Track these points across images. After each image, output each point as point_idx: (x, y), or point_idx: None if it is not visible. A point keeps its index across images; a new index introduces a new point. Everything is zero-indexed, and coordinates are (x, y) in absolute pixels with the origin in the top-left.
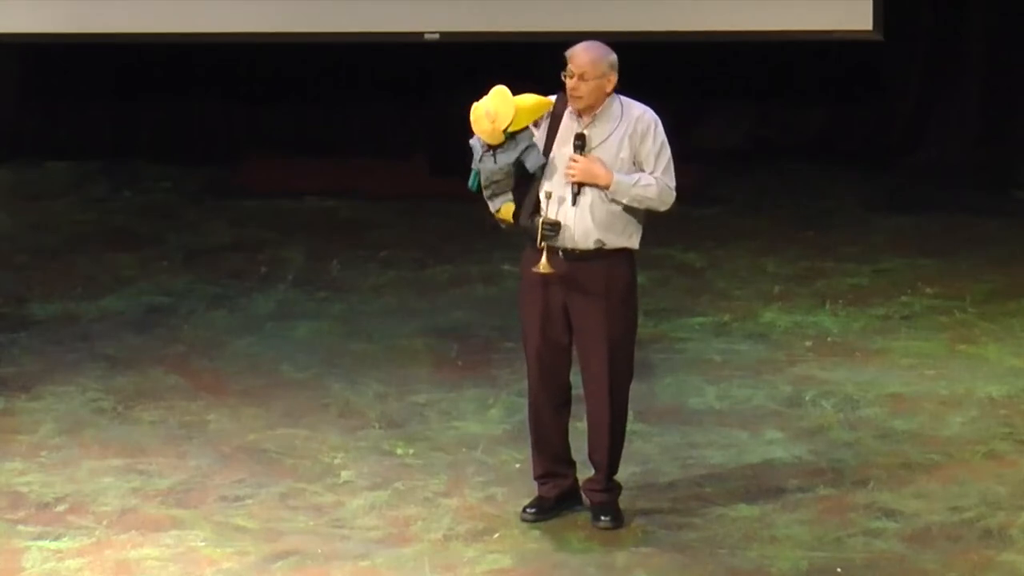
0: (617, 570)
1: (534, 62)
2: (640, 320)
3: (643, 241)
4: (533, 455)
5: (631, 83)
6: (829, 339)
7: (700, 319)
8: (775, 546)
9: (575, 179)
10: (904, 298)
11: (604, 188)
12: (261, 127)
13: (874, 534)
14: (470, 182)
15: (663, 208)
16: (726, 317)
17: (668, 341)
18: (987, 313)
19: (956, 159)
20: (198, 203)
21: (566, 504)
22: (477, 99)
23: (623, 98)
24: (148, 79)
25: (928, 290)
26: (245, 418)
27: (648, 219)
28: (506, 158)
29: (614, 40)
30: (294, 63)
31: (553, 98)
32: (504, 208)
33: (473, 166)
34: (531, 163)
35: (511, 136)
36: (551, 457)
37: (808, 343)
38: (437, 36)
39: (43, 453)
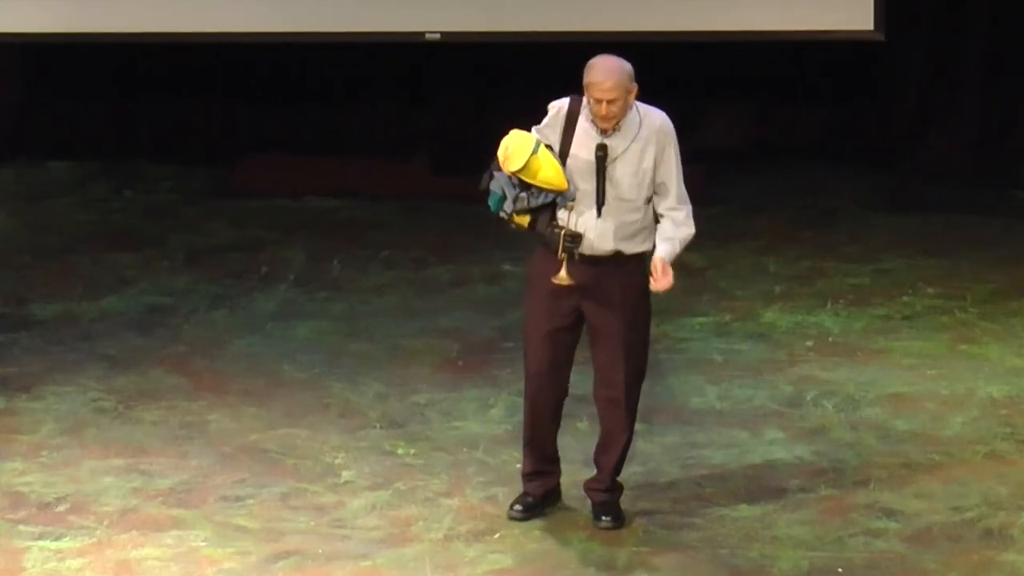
0: (618, 570)
1: (535, 62)
2: None
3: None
4: (525, 453)
5: None
6: (830, 339)
7: (701, 319)
8: (776, 546)
9: (667, 287)
10: (905, 298)
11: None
12: (261, 127)
13: (875, 534)
14: (492, 204)
15: None
16: (727, 317)
17: (669, 341)
18: (988, 313)
19: (957, 159)
20: (199, 203)
21: (549, 501)
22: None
23: (639, 104)
24: (148, 79)
25: (929, 290)
26: (246, 418)
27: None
28: (543, 199)
29: (615, 40)
30: (294, 63)
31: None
32: (519, 216)
33: (495, 188)
34: (562, 200)
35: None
36: (543, 456)
37: (809, 343)
38: (438, 36)
39: (44, 453)
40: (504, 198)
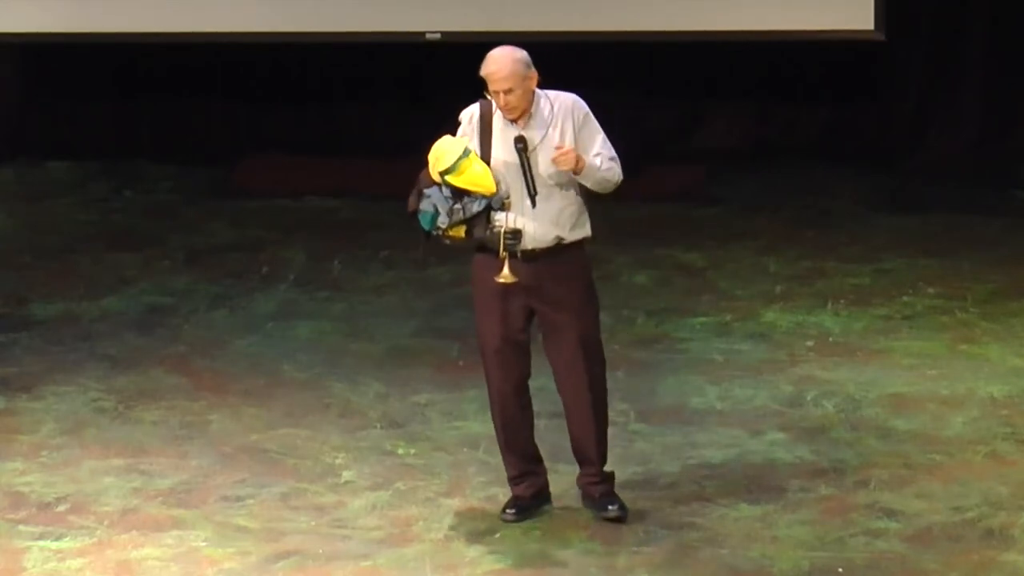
0: (618, 570)
1: (535, 62)
2: (642, 320)
3: (644, 241)
4: (505, 457)
5: (632, 83)
6: (830, 339)
7: (702, 319)
8: (776, 546)
9: (570, 167)
10: (905, 298)
11: (577, 172)
12: (261, 127)
13: (875, 534)
14: (424, 223)
15: (613, 188)
16: (727, 317)
17: (670, 341)
18: (988, 313)
19: (957, 159)
20: (199, 203)
21: (539, 501)
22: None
23: (547, 92)
24: (148, 79)
25: (929, 290)
26: (246, 418)
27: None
28: (477, 206)
29: (615, 40)
30: (294, 63)
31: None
32: (454, 229)
33: (425, 207)
34: (495, 202)
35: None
36: (524, 456)
37: (809, 343)
38: (438, 36)
39: (44, 453)
40: (437, 215)
